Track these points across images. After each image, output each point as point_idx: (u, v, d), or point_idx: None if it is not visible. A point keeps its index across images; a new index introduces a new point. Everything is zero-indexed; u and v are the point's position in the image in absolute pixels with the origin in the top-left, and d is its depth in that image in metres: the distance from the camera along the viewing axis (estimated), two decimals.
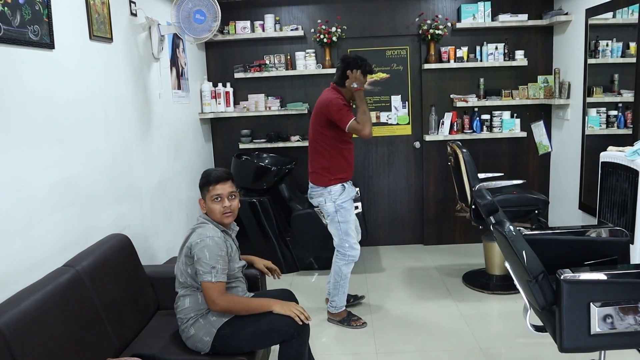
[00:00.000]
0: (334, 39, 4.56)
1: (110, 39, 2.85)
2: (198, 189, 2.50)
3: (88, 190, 2.59)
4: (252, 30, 4.65)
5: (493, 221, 2.13)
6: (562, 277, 1.88)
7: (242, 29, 4.62)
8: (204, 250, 2.24)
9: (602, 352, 2.21)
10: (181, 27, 3.27)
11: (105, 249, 2.49)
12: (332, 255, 4.41)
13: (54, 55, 2.32)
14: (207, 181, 2.43)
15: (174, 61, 3.93)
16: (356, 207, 4.13)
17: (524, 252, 1.93)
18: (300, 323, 2.27)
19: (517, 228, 2.26)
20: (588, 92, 4.07)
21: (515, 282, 2.22)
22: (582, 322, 1.90)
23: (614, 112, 4.11)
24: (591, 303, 1.88)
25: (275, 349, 2.40)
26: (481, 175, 3.88)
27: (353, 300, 3.76)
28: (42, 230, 2.21)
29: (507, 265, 2.25)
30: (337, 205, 3.32)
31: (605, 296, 1.87)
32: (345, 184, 3.35)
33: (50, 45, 2.26)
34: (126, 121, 3.07)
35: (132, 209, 3.08)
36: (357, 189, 3.50)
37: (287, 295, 2.64)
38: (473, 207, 3.68)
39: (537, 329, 2.25)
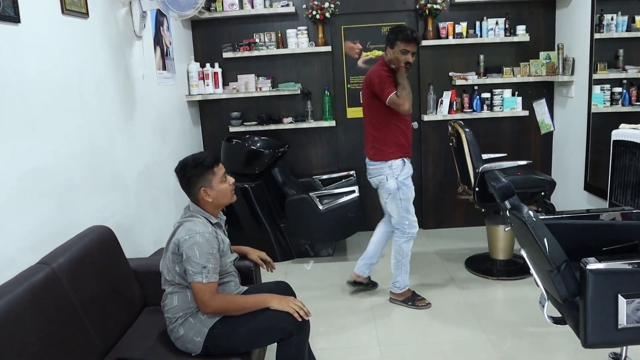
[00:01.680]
0: (327, 15, 4.33)
1: (85, 14, 2.62)
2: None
3: (65, 180, 2.38)
4: (241, 6, 4.40)
5: (508, 206, 1.95)
6: (587, 267, 1.71)
7: (229, 6, 4.38)
8: (193, 249, 2.04)
9: (625, 346, 2.05)
10: (164, 2, 3.03)
11: (85, 243, 2.29)
12: (328, 242, 4.27)
13: (20, 30, 2.09)
14: (209, 164, 2.20)
15: (158, 40, 3.69)
16: (353, 192, 3.98)
17: (545, 239, 1.76)
18: (300, 319, 2.09)
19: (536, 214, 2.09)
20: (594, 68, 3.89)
21: (533, 271, 2.05)
22: (608, 316, 1.75)
23: (619, 89, 3.94)
24: (619, 295, 1.72)
25: (273, 346, 2.22)
26: (484, 156, 3.71)
27: (371, 286, 3.63)
28: (11, 225, 2.00)
29: (523, 253, 2.08)
30: (400, 181, 3.19)
31: (635, 287, 1.71)
32: (405, 159, 3.22)
33: (15, 19, 2.03)
34: (107, 103, 2.85)
35: (115, 198, 2.88)
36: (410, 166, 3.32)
37: (283, 288, 2.46)
38: (477, 189, 3.50)
39: (556, 320, 2.09)
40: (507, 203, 1.95)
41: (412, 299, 3.38)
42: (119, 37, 3.04)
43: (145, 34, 3.38)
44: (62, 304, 1.98)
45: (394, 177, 3.20)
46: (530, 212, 1.84)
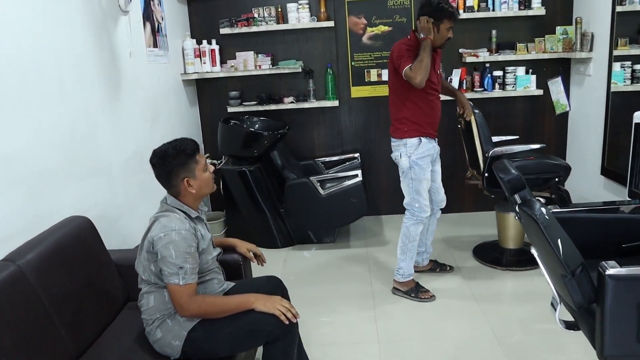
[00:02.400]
0: None
1: None
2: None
3: (38, 168, 2.21)
4: None
5: (519, 200, 1.74)
6: (606, 273, 1.50)
7: None
8: (169, 248, 1.86)
9: None
10: None
11: (59, 236, 2.13)
12: (330, 228, 4.10)
13: None
14: (191, 151, 2.01)
15: (148, 15, 3.48)
16: (355, 176, 3.78)
17: (559, 240, 1.56)
18: (287, 322, 1.92)
19: (549, 208, 1.89)
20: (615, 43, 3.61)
21: (544, 272, 1.85)
22: (629, 326, 1.55)
23: None
24: None
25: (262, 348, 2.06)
26: (495, 139, 3.48)
27: (439, 269, 3.50)
28: None
29: (533, 251, 1.88)
30: (412, 161, 3.09)
31: None
32: (423, 138, 3.09)
33: None
34: (88, 84, 2.66)
35: (98, 186, 2.70)
36: (438, 148, 3.23)
37: (274, 284, 2.30)
38: (486, 174, 3.29)
39: (569, 325, 1.89)
40: (516, 197, 1.75)
41: (415, 290, 3.22)
42: (102, 13, 2.83)
43: (132, 9, 3.17)
44: (29, 305, 1.82)
45: (407, 156, 3.10)
46: (543, 209, 1.63)
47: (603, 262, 1.52)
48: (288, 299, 2.32)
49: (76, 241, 2.20)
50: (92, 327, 2.12)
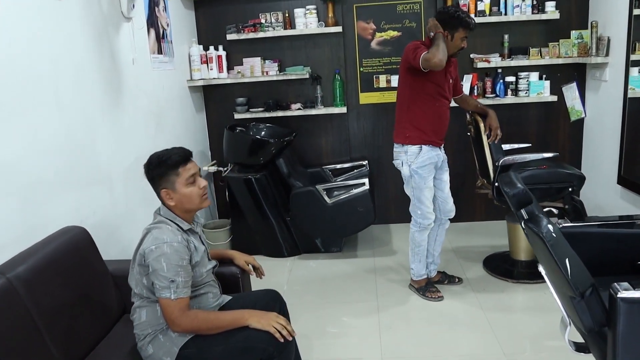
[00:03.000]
0: None
1: None
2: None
3: (32, 177, 2.16)
4: None
5: (525, 216, 1.65)
6: (618, 295, 1.40)
7: None
8: (160, 261, 1.80)
9: None
10: None
11: (53, 247, 2.07)
12: (336, 237, 4.02)
13: None
14: (172, 163, 1.94)
15: (152, 21, 3.44)
16: (362, 184, 3.70)
17: (567, 260, 1.46)
18: (282, 340, 1.85)
19: (557, 223, 1.79)
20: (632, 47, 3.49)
21: (552, 291, 1.75)
22: None
23: None
24: None
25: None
26: (505, 147, 3.38)
27: (447, 281, 3.42)
28: None
29: (541, 269, 1.78)
30: (412, 169, 3.07)
31: None
32: (424, 146, 3.04)
33: None
34: (87, 91, 2.62)
35: (96, 195, 2.66)
36: (443, 156, 3.18)
37: (271, 298, 2.22)
38: (496, 184, 3.18)
39: (579, 348, 1.79)
40: (523, 212, 1.65)
41: (424, 289, 3.25)
42: (103, 20, 2.79)
43: (135, 15, 3.13)
44: (18, 320, 1.77)
45: (408, 164, 3.08)
46: (550, 226, 1.54)
47: (615, 284, 1.42)
48: (286, 313, 2.24)
49: (71, 252, 2.15)
50: (85, 341, 2.06)
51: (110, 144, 2.82)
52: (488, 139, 3.20)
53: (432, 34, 2.90)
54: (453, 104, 3.23)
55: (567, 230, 1.91)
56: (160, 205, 2.01)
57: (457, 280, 3.41)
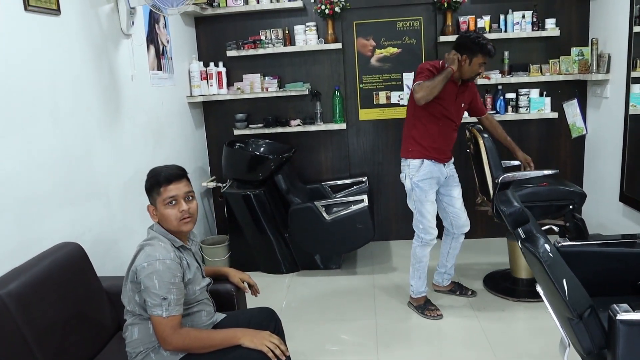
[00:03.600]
0: (337, 9, 4.02)
1: (56, 11, 2.38)
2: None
3: (28, 192, 2.15)
4: (246, 2, 4.14)
5: (522, 235, 1.62)
6: (617, 317, 1.37)
7: (234, 1, 4.12)
8: (152, 278, 1.78)
9: None
10: None
11: (47, 264, 2.06)
12: (335, 254, 3.98)
13: None
14: (156, 181, 1.95)
15: (152, 38, 3.45)
16: (361, 201, 3.68)
17: (564, 281, 1.43)
18: None
19: (556, 242, 1.76)
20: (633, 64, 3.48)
21: (550, 312, 1.71)
22: None
23: None
24: None
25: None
26: (506, 164, 3.36)
27: (459, 292, 3.42)
28: None
29: (539, 289, 1.75)
30: (413, 182, 3.10)
31: None
32: (426, 160, 3.07)
33: None
34: (85, 108, 2.61)
35: (93, 211, 2.64)
36: (449, 172, 3.22)
37: (266, 316, 2.19)
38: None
39: None
40: (520, 231, 1.63)
41: (423, 307, 3.22)
42: (102, 36, 2.80)
43: (135, 32, 3.15)
44: (8, 338, 1.75)
45: (409, 177, 3.12)
46: (547, 246, 1.51)
47: (614, 305, 1.39)
48: (281, 331, 2.20)
49: (64, 269, 2.13)
50: (77, 359, 2.03)
51: (108, 159, 2.81)
52: (524, 169, 3.22)
53: (446, 65, 2.91)
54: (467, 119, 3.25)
55: (566, 249, 1.88)
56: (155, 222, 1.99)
57: (470, 292, 3.40)
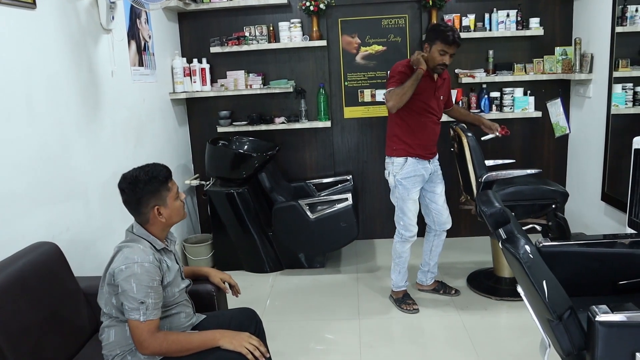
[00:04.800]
0: (322, 6, 3.99)
1: (32, 4, 2.32)
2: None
3: (2, 191, 2.10)
4: None
5: (503, 236, 1.61)
6: (597, 319, 1.37)
7: None
8: (130, 281, 1.75)
9: None
10: None
11: (21, 265, 2.00)
12: (319, 253, 3.96)
13: None
14: (163, 178, 1.92)
15: (134, 33, 3.39)
16: (345, 199, 3.66)
17: (544, 283, 1.42)
18: None
19: (538, 242, 1.75)
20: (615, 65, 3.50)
21: (531, 312, 1.71)
22: None
23: None
24: (637, 353, 1.37)
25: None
26: (489, 163, 3.37)
27: (443, 291, 3.42)
28: None
29: (519, 290, 1.75)
30: (397, 180, 3.11)
31: None
32: (410, 158, 3.07)
33: None
34: (62, 104, 2.56)
35: (71, 210, 2.59)
36: (433, 168, 3.21)
37: (247, 317, 2.17)
38: None
39: None
40: (501, 231, 1.61)
41: (400, 300, 3.27)
42: (80, 31, 2.75)
43: (115, 27, 3.08)
44: None
45: (393, 175, 3.13)
46: (527, 247, 1.50)
47: (593, 307, 1.39)
48: (262, 332, 2.18)
49: (39, 269, 2.08)
50: None
51: (86, 157, 2.76)
52: (498, 134, 3.20)
53: (415, 67, 2.92)
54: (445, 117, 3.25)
55: (547, 249, 1.88)
56: (134, 223, 1.95)
57: (453, 292, 3.40)
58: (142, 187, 1.89)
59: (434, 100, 3.06)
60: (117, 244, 1.91)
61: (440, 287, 3.44)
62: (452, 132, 3.39)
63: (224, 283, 2.30)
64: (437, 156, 3.24)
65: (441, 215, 3.26)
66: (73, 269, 2.29)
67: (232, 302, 2.46)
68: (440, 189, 3.24)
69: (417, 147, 3.08)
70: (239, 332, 1.88)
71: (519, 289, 1.76)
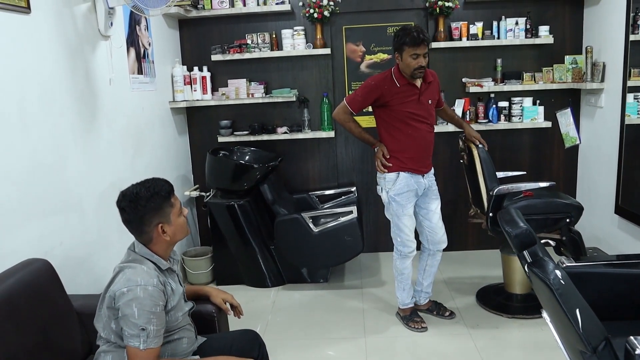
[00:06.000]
0: (326, 13, 3.89)
1: (25, 9, 2.21)
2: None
3: None
4: (232, 4, 3.99)
5: (529, 259, 1.49)
6: (637, 352, 1.24)
7: (219, 4, 3.97)
8: (131, 305, 1.63)
9: None
10: None
11: (10, 284, 1.88)
12: (322, 267, 3.84)
13: None
14: (166, 194, 1.80)
15: (133, 40, 3.29)
16: (350, 212, 3.54)
17: (577, 311, 1.30)
18: None
19: (560, 263, 1.63)
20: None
21: (558, 340, 1.58)
22: None
23: None
24: None
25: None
26: (500, 175, 3.24)
27: (436, 312, 3.26)
28: None
29: (545, 315, 1.62)
30: (390, 196, 3.00)
31: None
32: (402, 172, 2.95)
33: None
34: (57, 113, 2.44)
35: (65, 223, 2.47)
36: (427, 183, 3.07)
37: (249, 339, 2.05)
38: (490, 214, 3.04)
39: None
40: (526, 254, 1.50)
41: (408, 318, 3.13)
42: (77, 37, 2.64)
43: (113, 34, 2.98)
44: None
45: (386, 191, 3.03)
46: (558, 272, 1.38)
47: (631, 338, 1.26)
48: (266, 356, 2.06)
49: (29, 289, 1.95)
50: None
51: (82, 168, 2.64)
52: (477, 145, 3.10)
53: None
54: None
55: (571, 270, 1.76)
56: (135, 242, 1.83)
57: (447, 314, 3.23)
58: (144, 205, 1.76)
59: (420, 107, 2.94)
60: (118, 264, 1.79)
61: (435, 308, 3.27)
62: (461, 143, 3.28)
63: (225, 304, 2.17)
64: (432, 170, 3.10)
65: (435, 234, 3.10)
66: (66, 286, 2.17)
67: (233, 320, 2.33)
68: (435, 205, 3.10)
69: (409, 161, 2.96)
70: (242, 358, 1.75)
71: (545, 315, 1.64)
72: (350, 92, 4.19)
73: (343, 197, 4.10)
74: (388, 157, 2.96)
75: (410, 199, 2.98)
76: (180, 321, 1.85)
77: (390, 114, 2.92)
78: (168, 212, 1.80)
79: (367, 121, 4.22)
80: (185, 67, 4.06)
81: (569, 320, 1.30)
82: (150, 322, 1.64)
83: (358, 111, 3.01)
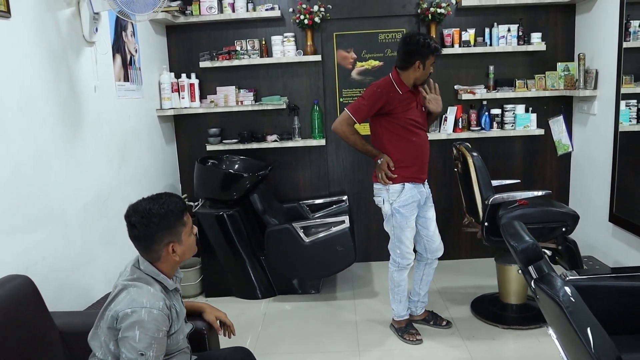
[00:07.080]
0: (317, 20, 3.84)
1: (5, 13, 2.12)
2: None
3: None
4: (220, 10, 3.92)
5: (535, 275, 1.43)
6: None
7: (207, 9, 3.89)
8: (134, 328, 1.54)
9: None
10: (116, 1, 2.55)
11: None
12: (314, 278, 3.76)
13: None
14: (179, 212, 1.71)
15: (119, 47, 3.20)
16: (342, 222, 3.47)
17: (588, 330, 1.24)
18: None
19: (563, 275, 1.57)
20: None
21: (565, 358, 1.52)
22: None
23: None
24: None
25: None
26: (494, 183, 3.20)
27: (433, 322, 3.19)
28: None
29: (551, 332, 1.56)
30: (394, 208, 2.90)
31: None
32: (407, 183, 2.87)
33: None
34: (39, 121, 2.35)
35: (47, 237, 2.37)
36: (427, 192, 3.01)
37: (241, 357, 1.96)
38: (486, 223, 2.99)
39: None
40: (531, 269, 1.43)
41: (403, 330, 3.06)
42: (61, 43, 2.55)
43: (99, 40, 2.90)
44: None
45: (389, 202, 2.91)
46: (567, 289, 1.32)
47: None
48: None
49: (8, 308, 1.85)
50: None
51: (66, 178, 2.54)
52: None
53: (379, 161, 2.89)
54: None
55: (574, 283, 1.70)
56: (139, 257, 1.73)
57: (444, 323, 3.17)
58: (157, 222, 1.67)
59: (420, 114, 2.93)
60: (121, 281, 1.69)
61: (431, 318, 3.22)
62: (455, 151, 3.23)
63: (217, 322, 2.08)
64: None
65: (433, 243, 3.05)
66: (49, 303, 2.07)
67: (224, 337, 2.24)
68: (431, 213, 3.05)
69: (415, 169, 2.90)
70: None
71: (550, 332, 1.57)
72: (341, 100, 4.13)
73: (334, 206, 4.03)
74: (394, 168, 2.86)
75: (414, 211, 2.91)
76: (180, 344, 1.76)
77: (394, 121, 2.83)
78: (180, 231, 1.72)
79: (357, 129, 4.16)
80: (172, 74, 3.97)
81: (579, 339, 1.24)
82: (151, 347, 1.55)
83: (362, 121, 2.89)
